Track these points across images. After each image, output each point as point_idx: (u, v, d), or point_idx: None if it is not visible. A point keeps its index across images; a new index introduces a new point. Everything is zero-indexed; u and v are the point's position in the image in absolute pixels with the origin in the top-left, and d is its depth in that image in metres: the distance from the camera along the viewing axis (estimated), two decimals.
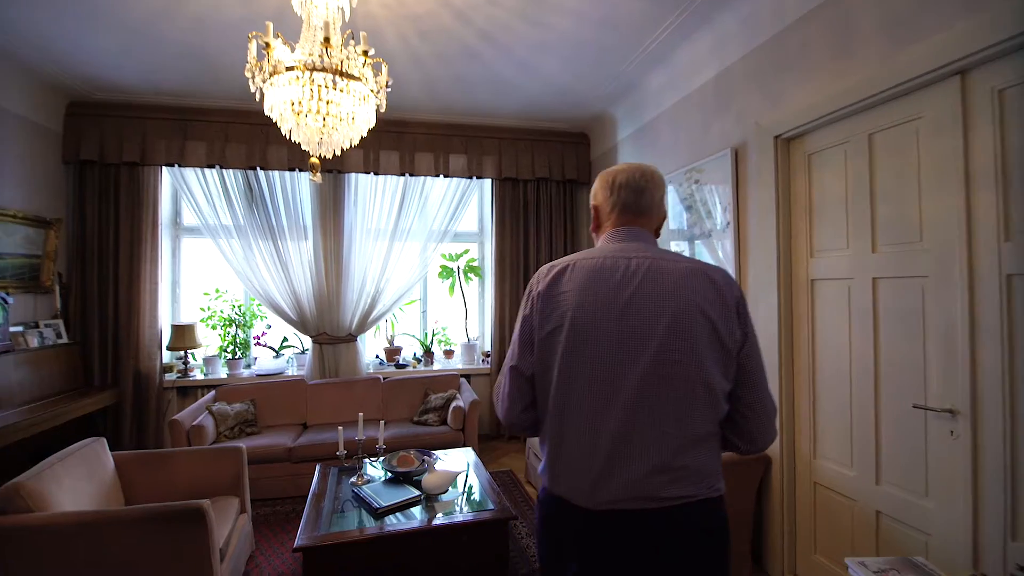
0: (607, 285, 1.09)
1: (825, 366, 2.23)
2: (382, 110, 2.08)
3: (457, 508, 2.28)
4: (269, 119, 1.85)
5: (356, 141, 1.95)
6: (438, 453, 2.96)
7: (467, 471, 2.69)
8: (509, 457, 4.08)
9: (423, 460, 2.69)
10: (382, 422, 2.74)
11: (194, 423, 3.23)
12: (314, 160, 1.98)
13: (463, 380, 4.24)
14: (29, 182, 3.42)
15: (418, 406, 3.97)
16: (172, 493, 2.42)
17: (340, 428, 2.54)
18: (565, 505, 1.10)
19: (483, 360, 4.63)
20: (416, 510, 2.26)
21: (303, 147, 1.92)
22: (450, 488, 2.45)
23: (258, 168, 3.97)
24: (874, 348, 1.99)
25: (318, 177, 2.12)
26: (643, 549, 1.05)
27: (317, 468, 2.74)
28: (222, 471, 2.57)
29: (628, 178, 1.21)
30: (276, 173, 4.06)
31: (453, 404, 3.68)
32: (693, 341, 1.04)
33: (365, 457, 2.66)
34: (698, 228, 2.97)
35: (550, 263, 1.19)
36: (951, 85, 1.69)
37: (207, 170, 3.96)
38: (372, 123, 2.05)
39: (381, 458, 2.74)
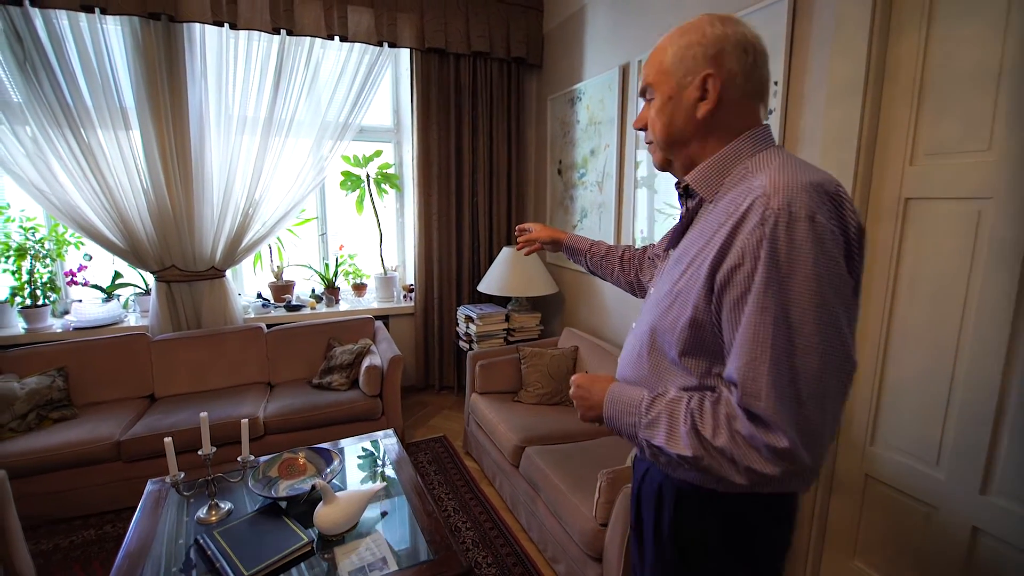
0: None
1: (910, 325, 1.56)
2: None
3: (373, 562, 1.44)
4: None
5: None
6: (345, 443, 2.08)
7: (388, 478, 1.84)
8: (442, 417, 3.30)
9: (319, 466, 1.80)
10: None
11: None
12: None
13: (379, 324, 3.28)
14: None
15: (320, 362, 3.00)
16: None
17: (168, 440, 1.53)
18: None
19: (405, 296, 3.66)
20: (303, 570, 1.40)
21: None
22: (361, 517, 1.60)
23: (26, 3, 2.44)
24: (1015, 305, 1.31)
25: None
26: None
27: (145, 491, 1.75)
28: None
29: (761, 45, 0.82)
30: (63, 16, 2.55)
31: (366, 361, 2.75)
32: None
33: (216, 476, 1.70)
34: None
35: (809, 182, 0.72)
36: None
37: None
38: None
39: (263, 458, 1.80)
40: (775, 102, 1.81)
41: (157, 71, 2.72)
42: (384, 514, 1.66)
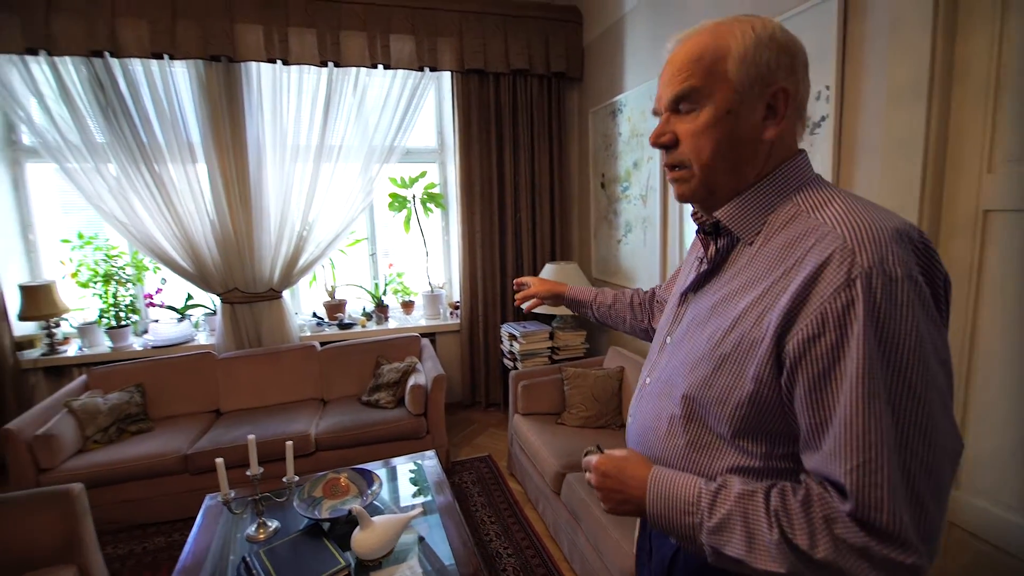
0: None
1: (996, 353, 1.38)
2: None
3: None
4: None
5: None
6: (398, 462, 2.12)
7: (426, 503, 1.85)
8: (487, 436, 3.30)
9: (360, 487, 1.84)
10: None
11: (40, 431, 2.28)
12: None
13: (426, 341, 3.34)
14: None
15: (369, 379, 3.08)
16: None
17: (220, 460, 1.63)
18: None
19: (451, 313, 3.71)
20: None
21: None
22: (399, 541, 1.61)
23: (107, 55, 2.71)
24: None
25: None
26: None
27: (203, 506, 1.86)
28: (44, 526, 1.67)
29: None
30: (137, 63, 2.81)
31: (411, 380, 2.80)
32: None
33: (263, 495, 1.77)
34: None
35: (895, 229, 0.60)
36: None
37: (30, 59, 2.68)
38: None
39: (317, 474, 1.88)
40: (828, 108, 1.67)
41: (219, 107, 2.94)
42: (421, 539, 1.67)
